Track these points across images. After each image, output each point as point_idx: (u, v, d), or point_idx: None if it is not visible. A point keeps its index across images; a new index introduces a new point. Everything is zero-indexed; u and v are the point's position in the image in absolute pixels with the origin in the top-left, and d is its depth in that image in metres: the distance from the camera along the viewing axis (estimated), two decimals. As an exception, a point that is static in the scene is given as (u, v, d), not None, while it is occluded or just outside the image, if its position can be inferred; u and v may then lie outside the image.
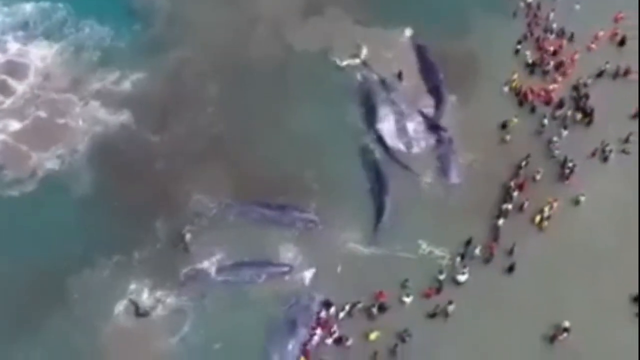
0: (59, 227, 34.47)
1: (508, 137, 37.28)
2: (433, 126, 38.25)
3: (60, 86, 39.82)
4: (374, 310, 32.08)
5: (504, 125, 37.67)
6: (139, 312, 32.35)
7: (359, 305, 32.20)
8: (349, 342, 31.43)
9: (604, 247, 33.79)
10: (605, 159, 36.59)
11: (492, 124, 37.93)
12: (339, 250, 34.14)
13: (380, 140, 37.94)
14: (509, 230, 34.28)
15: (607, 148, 36.50)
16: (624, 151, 36.63)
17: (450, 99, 39.17)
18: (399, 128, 38.29)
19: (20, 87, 39.75)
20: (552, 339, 31.52)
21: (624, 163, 36.52)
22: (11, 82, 39.92)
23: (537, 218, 34.55)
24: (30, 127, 38.20)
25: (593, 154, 36.69)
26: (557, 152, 36.69)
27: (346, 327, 31.88)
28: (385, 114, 38.84)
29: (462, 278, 33.00)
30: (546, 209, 34.61)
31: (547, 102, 38.66)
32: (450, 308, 32.20)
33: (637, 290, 32.43)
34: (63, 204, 35.40)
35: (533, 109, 38.51)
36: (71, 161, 37.09)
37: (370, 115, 38.92)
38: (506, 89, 39.27)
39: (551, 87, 39.02)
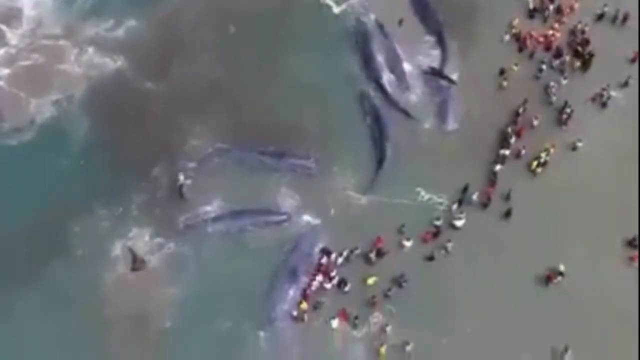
0: (57, 175, 34.39)
1: (505, 84, 37.02)
2: (436, 73, 37.88)
3: (54, 33, 38.96)
4: (372, 255, 32.43)
5: (501, 72, 37.30)
6: (135, 266, 32.52)
7: (357, 251, 32.51)
8: (347, 288, 31.89)
9: (600, 192, 34.03)
10: (603, 105, 36.42)
11: (492, 70, 37.41)
12: (337, 197, 34.19)
13: (378, 86, 37.57)
14: (506, 176, 34.37)
15: (605, 94, 36.22)
16: (609, 98, 36.35)
17: (451, 43, 38.66)
18: (397, 74, 37.93)
19: (12, 34, 38.99)
20: (547, 282, 31.99)
21: (622, 108, 36.36)
22: (4, 29, 39.17)
23: (534, 164, 34.60)
24: (26, 74, 37.59)
25: (593, 99, 36.53)
26: (554, 97, 36.48)
27: (344, 272, 32.25)
28: (383, 59, 38.34)
29: (459, 223, 33.25)
30: (543, 154, 34.66)
31: (547, 48, 38.07)
32: (450, 245, 32.60)
33: (631, 235, 32.71)
34: (60, 151, 35.19)
35: (532, 55, 38.04)
36: (68, 108, 36.60)
37: (368, 61, 38.40)
38: (507, 37, 38.59)
39: (550, 32, 38.35)
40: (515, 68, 37.26)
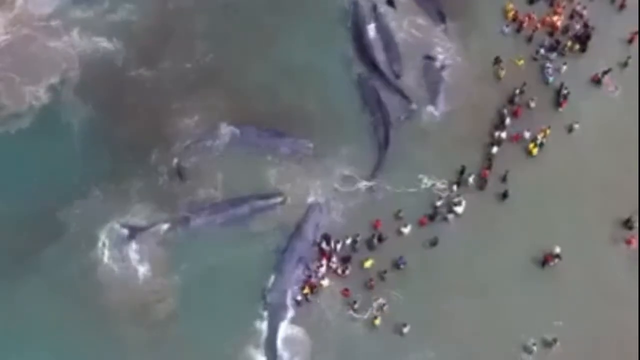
0: (54, 160, 34.33)
1: (503, 73, 36.45)
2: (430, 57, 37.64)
3: (46, 16, 38.16)
4: (375, 241, 32.51)
5: (496, 61, 36.70)
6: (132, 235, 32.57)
7: (358, 238, 32.53)
8: (347, 272, 32.08)
9: (596, 174, 34.27)
10: (597, 82, 36.23)
11: (491, 53, 37.05)
12: (338, 182, 34.12)
13: (375, 68, 37.24)
14: (503, 157, 34.43)
15: (602, 73, 36.12)
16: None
17: (449, 26, 38.42)
18: (393, 56, 37.58)
19: (4, 17, 38.06)
20: (543, 264, 32.29)
21: (621, 89, 36.28)
22: (-6, 12, 38.70)
23: (531, 145, 34.66)
24: (20, 58, 37.00)
25: (593, 80, 36.40)
26: (551, 79, 36.34)
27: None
28: (379, 41, 38.09)
29: (459, 209, 33.30)
30: (539, 136, 34.70)
31: (551, 34, 37.68)
32: (459, 209, 32.98)
33: (626, 215, 32.96)
34: (58, 137, 35.03)
35: (530, 39, 37.60)
36: (64, 93, 36.17)
37: (363, 43, 38.05)
38: (507, 29, 38.01)
39: (555, 18, 37.81)
40: (519, 63, 36.74)
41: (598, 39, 37.21)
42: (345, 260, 32.16)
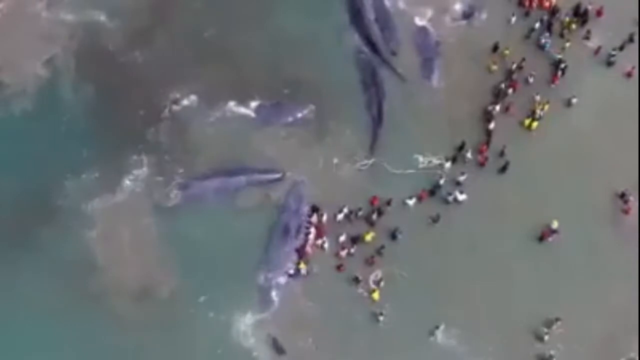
0: (51, 138, 34.24)
1: (494, 67, 35.89)
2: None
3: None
4: (374, 216, 32.68)
5: (495, 49, 36.25)
6: None
7: (360, 213, 32.79)
8: (353, 250, 32.35)
9: (594, 148, 34.36)
10: (610, 64, 35.97)
11: (491, 31, 36.72)
12: (334, 157, 34.21)
13: (369, 43, 36.86)
14: (502, 132, 34.41)
15: (609, 52, 35.88)
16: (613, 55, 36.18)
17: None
18: (389, 31, 37.14)
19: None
20: (541, 239, 32.63)
21: (621, 64, 35.97)
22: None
23: (527, 121, 34.71)
24: (15, 33, 36.54)
25: (595, 53, 36.17)
26: (553, 53, 36.01)
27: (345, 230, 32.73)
28: (374, 15, 37.48)
29: (461, 197, 33.37)
30: (538, 110, 34.74)
31: (553, 12, 37.06)
32: (461, 197, 33.13)
33: (622, 189, 33.27)
34: (50, 115, 34.79)
35: (527, 13, 37.00)
36: (59, 69, 35.76)
37: (359, 17, 37.52)
38: (514, 18, 37.05)
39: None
40: (507, 52, 36.08)
41: (606, 14, 36.61)
42: (354, 241, 32.39)
